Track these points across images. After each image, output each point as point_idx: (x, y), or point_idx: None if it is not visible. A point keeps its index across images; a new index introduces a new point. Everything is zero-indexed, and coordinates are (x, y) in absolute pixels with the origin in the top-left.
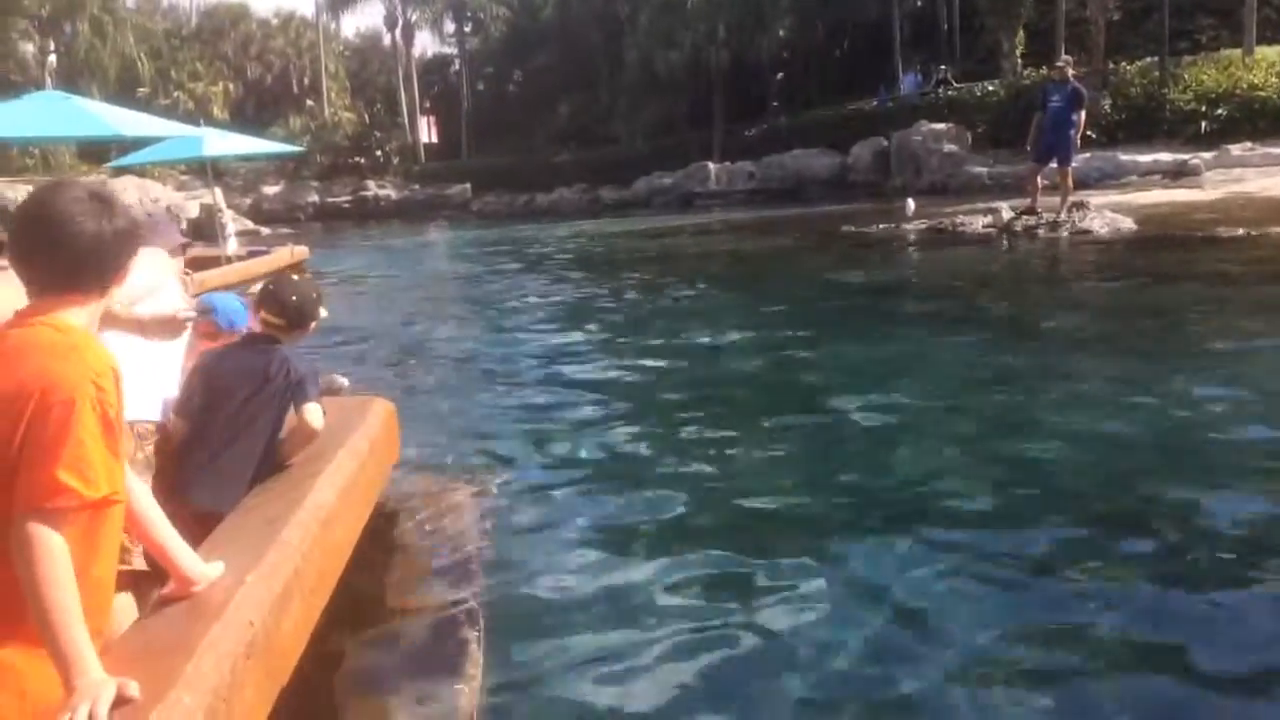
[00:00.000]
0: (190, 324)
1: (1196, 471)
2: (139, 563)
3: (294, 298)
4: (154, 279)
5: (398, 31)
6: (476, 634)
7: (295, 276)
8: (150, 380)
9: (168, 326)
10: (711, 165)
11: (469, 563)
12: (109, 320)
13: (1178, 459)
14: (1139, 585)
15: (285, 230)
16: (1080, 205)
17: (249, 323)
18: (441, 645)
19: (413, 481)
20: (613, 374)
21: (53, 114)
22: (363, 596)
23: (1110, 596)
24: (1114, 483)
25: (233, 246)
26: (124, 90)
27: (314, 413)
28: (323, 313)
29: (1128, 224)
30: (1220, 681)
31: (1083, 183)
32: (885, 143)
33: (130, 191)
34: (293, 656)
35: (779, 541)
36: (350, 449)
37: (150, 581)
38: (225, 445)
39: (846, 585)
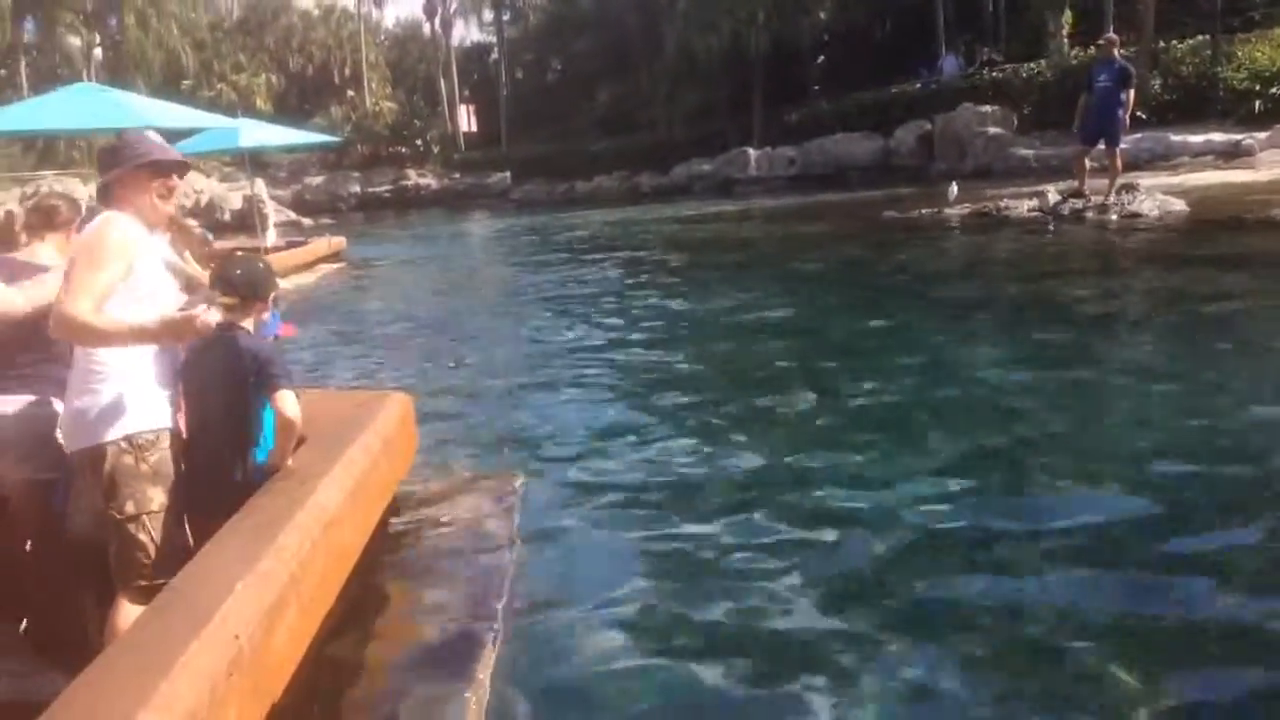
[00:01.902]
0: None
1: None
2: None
3: (239, 271)
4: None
5: (437, 20)
6: (492, 642)
7: (239, 253)
8: (158, 387)
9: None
10: (751, 151)
11: (488, 567)
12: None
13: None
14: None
15: (327, 220)
16: (1129, 187)
17: (277, 328)
18: (453, 655)
19: (431, 480)
20: (653, 370)
21: (89, 106)
22: (372, 602)
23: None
24: (1186, 474)
25: (271, 238)
26: (169, 83)
27: (287, 400)
28: (281, 283)
29: (1179, 206)
30: None
31: (1132, 164)
32: (929, 126)
33: None
34: (286, 671)
35: (823, 550)
36: (362, 445)
37: None
38: (210, 450)
39: (900, 596)
